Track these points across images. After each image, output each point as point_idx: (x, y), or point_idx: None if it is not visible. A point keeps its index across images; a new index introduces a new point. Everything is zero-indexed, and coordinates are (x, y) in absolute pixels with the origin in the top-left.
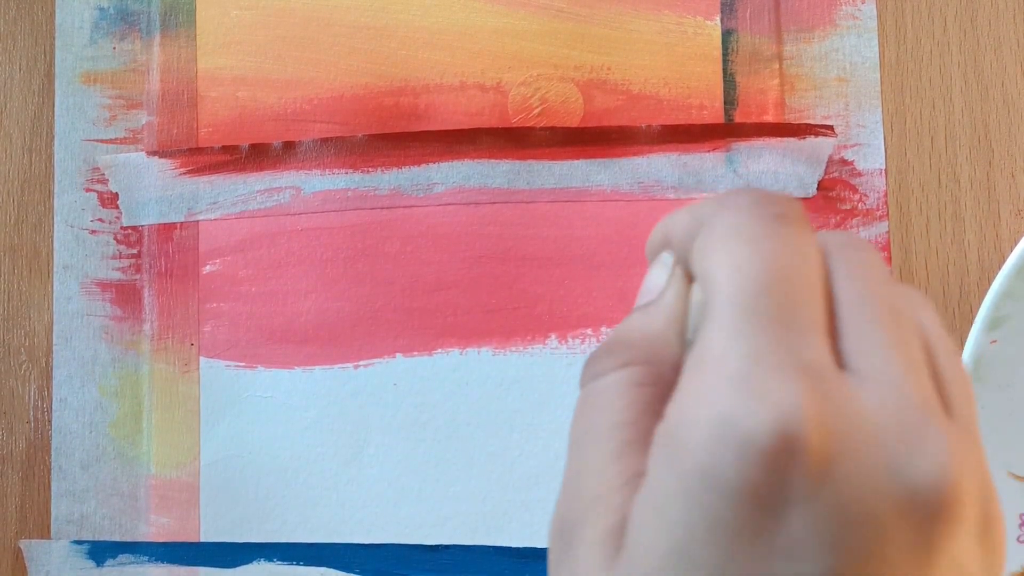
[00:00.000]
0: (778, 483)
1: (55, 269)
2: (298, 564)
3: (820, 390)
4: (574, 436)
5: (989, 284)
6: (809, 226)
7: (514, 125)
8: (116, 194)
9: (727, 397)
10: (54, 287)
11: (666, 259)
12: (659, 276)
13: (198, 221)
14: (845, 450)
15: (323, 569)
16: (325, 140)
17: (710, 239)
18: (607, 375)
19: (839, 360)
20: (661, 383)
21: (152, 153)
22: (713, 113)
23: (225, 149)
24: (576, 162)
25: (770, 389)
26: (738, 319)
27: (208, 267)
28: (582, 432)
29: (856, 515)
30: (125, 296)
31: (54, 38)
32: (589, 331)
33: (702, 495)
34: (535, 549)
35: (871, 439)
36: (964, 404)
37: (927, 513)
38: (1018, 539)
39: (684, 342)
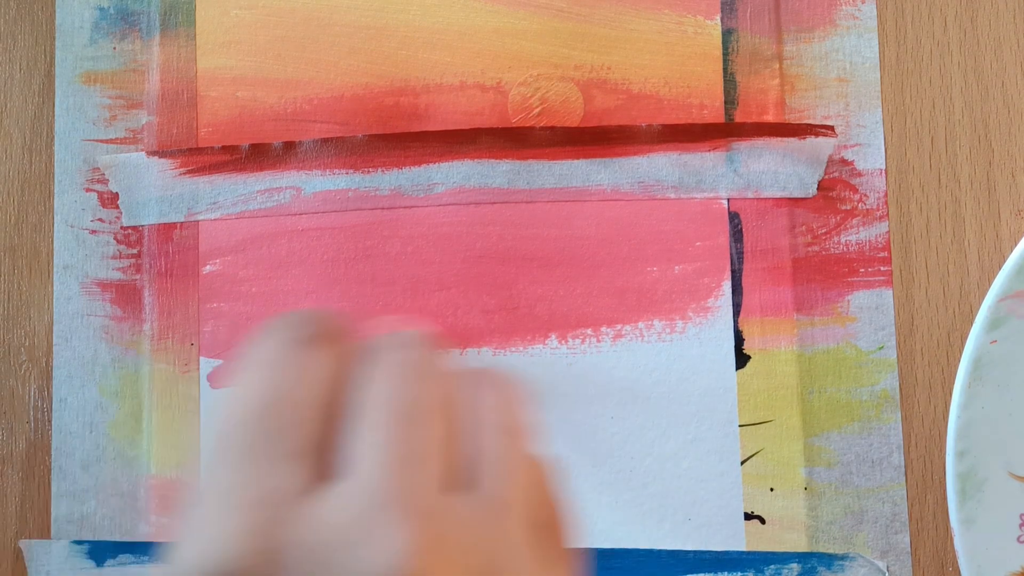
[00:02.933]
0: None
1: (55, 269)
2: None
3: (272, 517)
4: None
5: (989, 284)
6: (342, 341)
7: (514, 125)
8: (116, 194)
9: (190, 542)
10: (54, 287)
11: None
12: None
13: (198, 221)
14: (295, 570)
15: None
16: (325, 140)
17: (232, 370)
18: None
19: (333, 472)
20: None
21: (152, 153)
22: (713, 113)
23: (225, 149)
24: (576, 162)
25: (216, 529)
26: (217, 455)
27: (208, 267)
28: None
29: None
30: (125, 296)
31: (54, 38)
32: (589, 331)
33: None
34: None
35: (329, 549)
36: (495, 479)
37: None
38: (1018, 539)
39: None
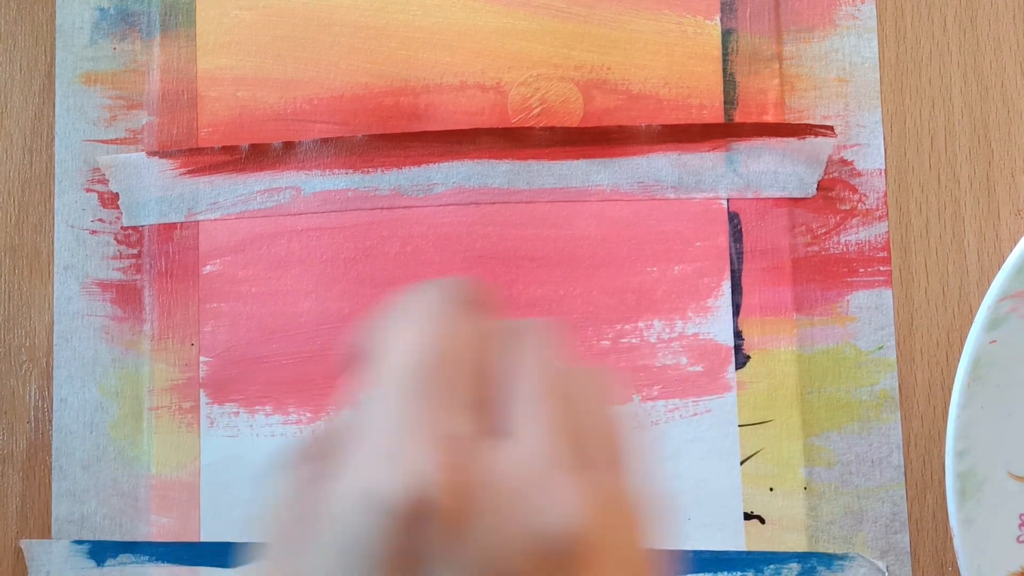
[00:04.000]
0: (415, 544)
1: (55, 269)
2: None
3: (456, 457)
4: None
5: (989, 284)
6: (489, 309)
7: (514, 125)
8: (116, 194)
9: (372, 469)
10: (54, 287)
11: None
12: None
13: (198, 221)
14: (481, 509)
15: None
16: (325, 140)
17: (387, 323)
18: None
19: (493, 428)
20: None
21: (152, 153)
22: (713, 113)
23: (225, 149)
24: (576, 162)
25: (407, 459)
26: (390, 395)
27: (208, 267)
28: None
29: (492, 567)
30: (125, 296)
31: (54, 38)
32: (589, 331)
33: (351, 564)
34: None
35: (508, 496)
36: (607, 461)
37: (559, 560)
38: (1018, 539)
39: None
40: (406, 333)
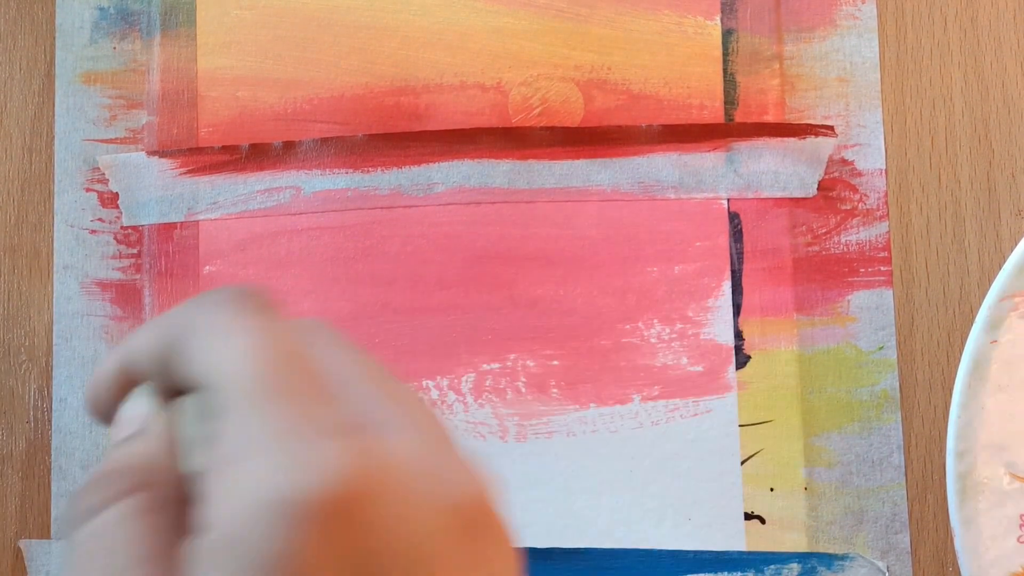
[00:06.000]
0: (344, 538)
1: (55, 269)
2: None
3: (355, 446)
4: None
5: (989, 284)
6: (278, 312)
7: (514, 125)
8: (116, 194)
9: (273, 475)
10: (54, 287)
11: (140, 391)
12: (136, 407)
13: (198, 221)
14: (400, 494)
15: None
16: (325, 140)
17: (203, 340)
18: (104, 511)
19: (359, 418)
20: (169, 507)
21: (152, 153)
22: (713, 113)
23: (225, 149)
24: (576, 162)
25: (312, 454)
26: (258, 401)
27: (208, 267)
28: None
29: (415, 554)
30: (125, 296)
31: (54, 38)
32: (589, 331)
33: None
34: (534, 549)
35: (418, 476)
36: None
37: (475, 529)
38: (1018, 539)
39: (181, 464)
40: (235, 341)
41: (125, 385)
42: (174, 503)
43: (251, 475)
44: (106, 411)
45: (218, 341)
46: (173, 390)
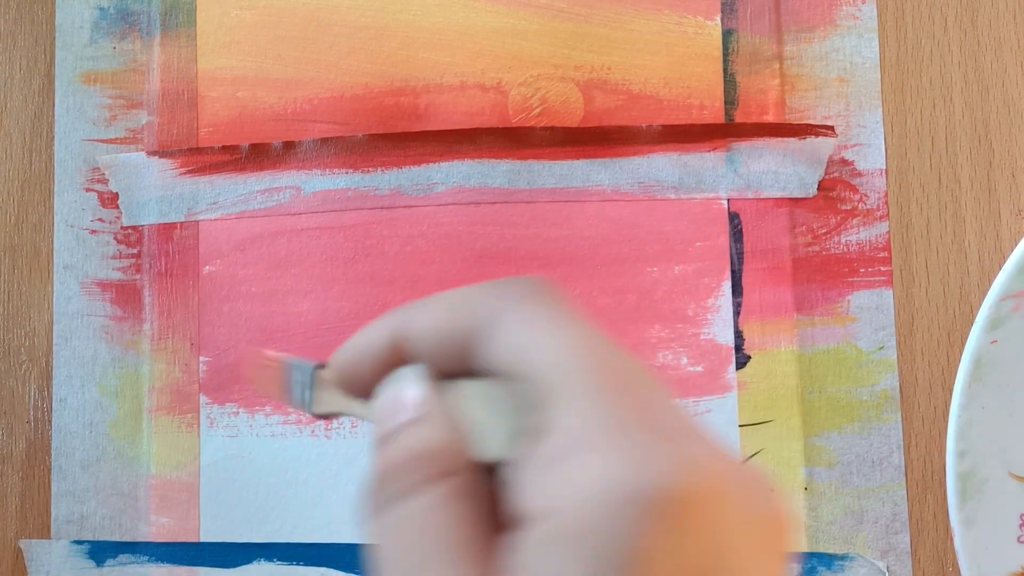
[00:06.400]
0: (683, 538)
1: (55, 269)
2: (298, 564)
3: (686, 452)
4: (392, 570)
5: (989, 284)
6: (576, 308)
7: (514, 125)
8: (116, 194)
9: (622, 469)
10: (54, 287)
11: (409, 373)
12: (411, 388)
13: (198, 221)
14: (718, 500)
15: (323, 569)
16: (325, 140)
17: (520, 330)
18: (413, 496)
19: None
20: (477, 493)
21: (152, 153)
22: (713, 113)
23: (225, 149)
24: (576, 162)
25: (654, 454)
26: (595, 396)
27: (208, 267)
28: (405, 565)
29: (723, 564)
30: (125, 296)
31: (54, 38)
32: None
33: (606, 569)
34: None
35: (745, 486)
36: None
37: (781, 547)
38: (1018, 539)
39: (472, 451)
40: (560, 335)
41: (393, 362)
42: (480, 490)
43: (596, 468)
44: (364, 385)
45: (542, 333)
46: (444, 373)
